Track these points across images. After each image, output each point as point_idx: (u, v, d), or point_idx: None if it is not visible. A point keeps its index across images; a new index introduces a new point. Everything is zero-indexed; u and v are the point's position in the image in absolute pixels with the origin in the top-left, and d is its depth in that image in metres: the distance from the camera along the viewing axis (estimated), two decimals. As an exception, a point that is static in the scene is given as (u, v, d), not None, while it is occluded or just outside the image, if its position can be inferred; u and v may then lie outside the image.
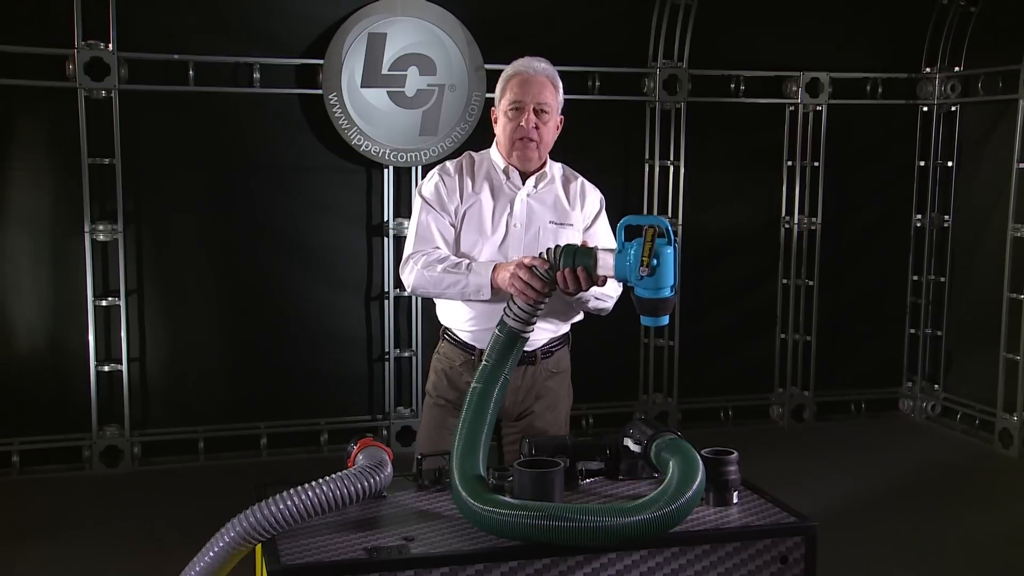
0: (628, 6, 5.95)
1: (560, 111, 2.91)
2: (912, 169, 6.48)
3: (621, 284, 2.46)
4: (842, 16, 6.24)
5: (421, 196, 2.92)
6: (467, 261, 2.79)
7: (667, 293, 2.27)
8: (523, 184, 2.90)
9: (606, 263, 2.37)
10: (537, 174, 2.91)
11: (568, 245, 2.45)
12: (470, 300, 2.78)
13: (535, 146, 2.86)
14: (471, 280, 2.72)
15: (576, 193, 2.96)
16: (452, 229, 2.87)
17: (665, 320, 2.32)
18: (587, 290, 2.46)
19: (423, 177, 3.09)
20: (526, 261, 2.51)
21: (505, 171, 2.91)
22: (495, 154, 2.95)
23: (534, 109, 2.82)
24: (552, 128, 2.90)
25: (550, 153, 2.97)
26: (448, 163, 2.97)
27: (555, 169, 2.98)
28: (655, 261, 2.24)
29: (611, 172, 5.97)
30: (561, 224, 2.89)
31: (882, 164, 6.49)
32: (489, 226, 2.86)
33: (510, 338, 2.44)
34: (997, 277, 5.87)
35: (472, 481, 2.16)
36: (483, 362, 2.45)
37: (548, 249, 2.48)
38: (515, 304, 2.46)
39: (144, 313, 5.38)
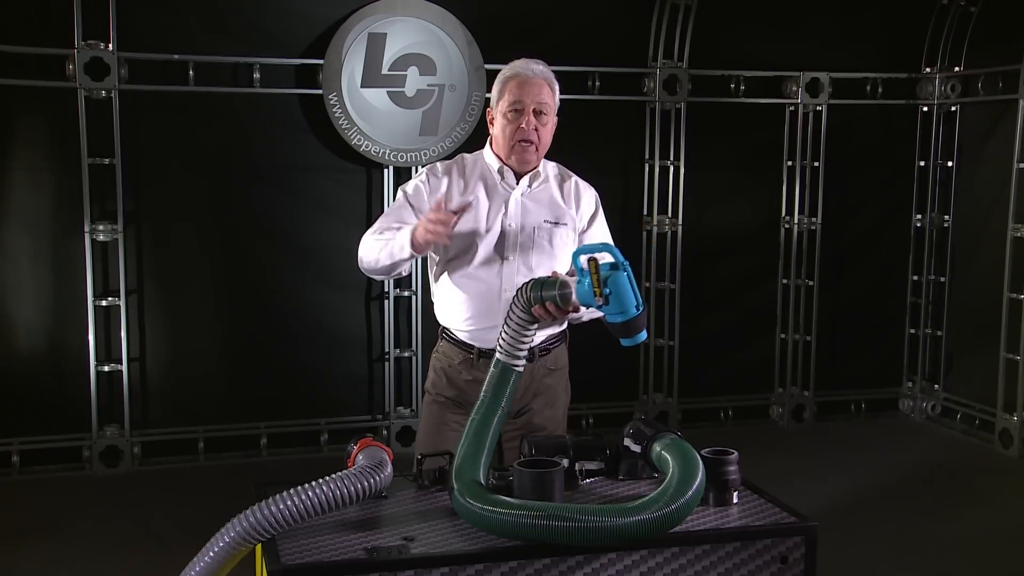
0: (628, 6, 5.96)
1: (556, 111, 2.92)
2: (912, 169, 6.48)
3: None
4: (842, 16, 6.25)
5: (403, 191, 2.93)
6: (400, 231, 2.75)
7: (632, 314, 2.28)
8: (517, 184, 2.91)
9: (573, 292, 2.39)
10: (531, 173, 2.92)
11: (535, 280, 2.46)
12: (398, 261, 2.74)
13: (534, 148, 2.87)
14: (399, 236, 2.70)
15: (571, 192, 2.97)
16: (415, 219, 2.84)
17: (642, 337, 2.33)
18: (566, 316, 2.48)
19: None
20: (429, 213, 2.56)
21: (499, 171, 2.91)
22: (489, 155, 2.95)
23: (533, 111, 2.84)
24: (550, 129, 2.91)
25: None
26: (439, 164, 2.97)
27: (549, 168, 2.99)
28: (607, 290, 2.27)
29: (611, 172, 5.98)
30: (556, 223, 2.90)
31: (882, 164, 6.49)
32: (483, 226, 2.87)
33: (503, 372, 2.44)
34: (997, 277, 5.87)
35: (472, 484, 2.17)
36: (481, 397, 2.44)
37: (522, 287, 2.46)
38: (504, 336, 2.46)
39: (144, 313, 5.38)
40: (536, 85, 2.84)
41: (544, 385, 2.96)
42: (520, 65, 2.88)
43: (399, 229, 2.78)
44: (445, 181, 2.91)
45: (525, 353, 2.47)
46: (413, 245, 2.67)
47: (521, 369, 2.47)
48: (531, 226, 2.88)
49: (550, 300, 2.41)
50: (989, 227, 6.04)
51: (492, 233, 2.87)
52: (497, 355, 2.47)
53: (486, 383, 2.46)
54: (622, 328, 2.30)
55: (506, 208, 2.89)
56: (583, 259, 2.34)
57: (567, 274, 2.47)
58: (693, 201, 6.09)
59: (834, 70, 6.18)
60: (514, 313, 2.44)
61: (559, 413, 3.01)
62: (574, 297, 2.37)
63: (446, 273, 2.92)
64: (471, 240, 2.87)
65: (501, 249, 2.87)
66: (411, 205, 2.89)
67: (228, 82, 5.37)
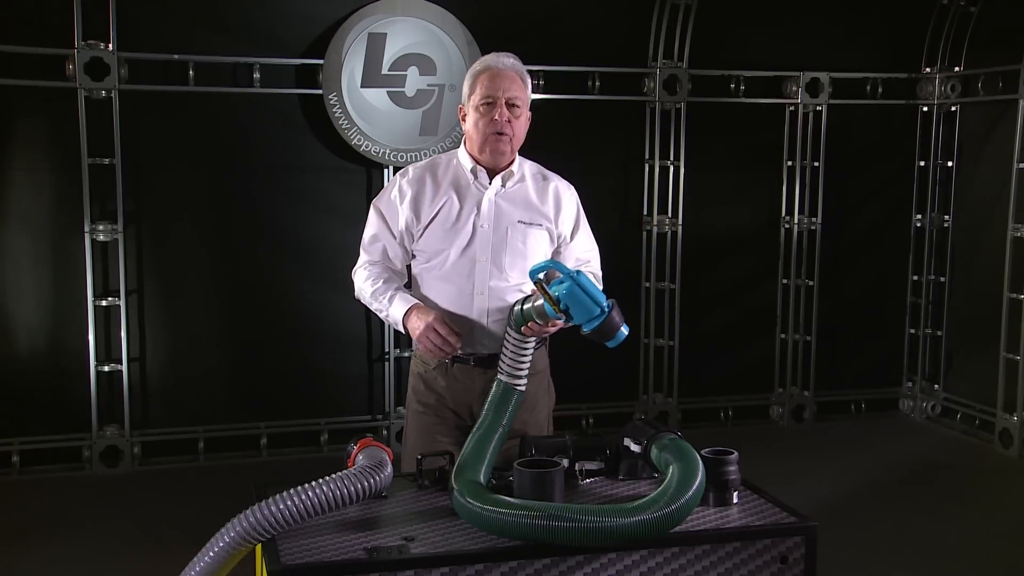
0: (628, 6, 5.96)
1: (529, 107, 2.87)
2: (912, 169, 6.48)
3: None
4: (842, 16, 6.25)
5: (376, 209, 2.92)
6: (392, 290, 2.84)
7: (600, 317, 2.29)
8: (490, 183, 2.86)
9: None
10: (504, 173, 2.87)
11: (519, 300, 2.50)
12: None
13: (508, 140, 2.81)
14: (391, 312, 2.82)
15: (550, 196, 2.92)
16: (398, 246, 2.89)
17: (623, 335, 2.33)
18: (555, 328, 2.52)
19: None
20: (436, 324, 2.67)
21: (473, 171, 2.86)
22: (463, 154, 2.90)
23: (506, 103, 2.78)
24: (523, 123, 2.86)
25: (522, 151, 2.93)
26: (411, 170, 2.92)
27: (526, 167, 2.94)
28: (563, 305, 2.30)
29: (611, 172, 5.98)
30: (530, 224, 2.86)
31: (882, 164, 6.49)
32: (454, 229, 2.83)
33: (505, 392, 2.48)
34: (997, 277, 5.87)
35: (472, 484, 2.17)
36: (483, 414, 2.47)
37: (511, 308, 2.52)
38: (503, 357, 2.50)
39: (144, 313, 5.38)
40: (507, 78, 2.80)
41: None
42: (491, 59, 2.84)
43: (387, 279, 2.87)
44: (416, 188, 2.86)
45: (526, 372, 2.50)
46: (406, 328, 2.80)
47: (523, 388, 2.48)
48: (504, 227, 2.84)
49: (529, 318, 2.44)
50: (989, 227, 6.04)
51: (464, 234, 2.83)
52: (499, 376, 2.50)
53: (488, 401, 2.49)
54: (598, 333, 2.31)
55: (479, 209, 2.84)
56: (541, 277, 2.38)
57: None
58: (693, 201, 6.09)
59: (834, 70, 6.18)
60: (509, 335, 2.48)
61: (540, 417, 2.97)
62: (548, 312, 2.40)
63: (421, 275, 2.90)
64: (443, 242, 2.84)
65: (473, 250, 2.83)
66: (386, 222, 2.88)
67: (228, 82, 5.37)
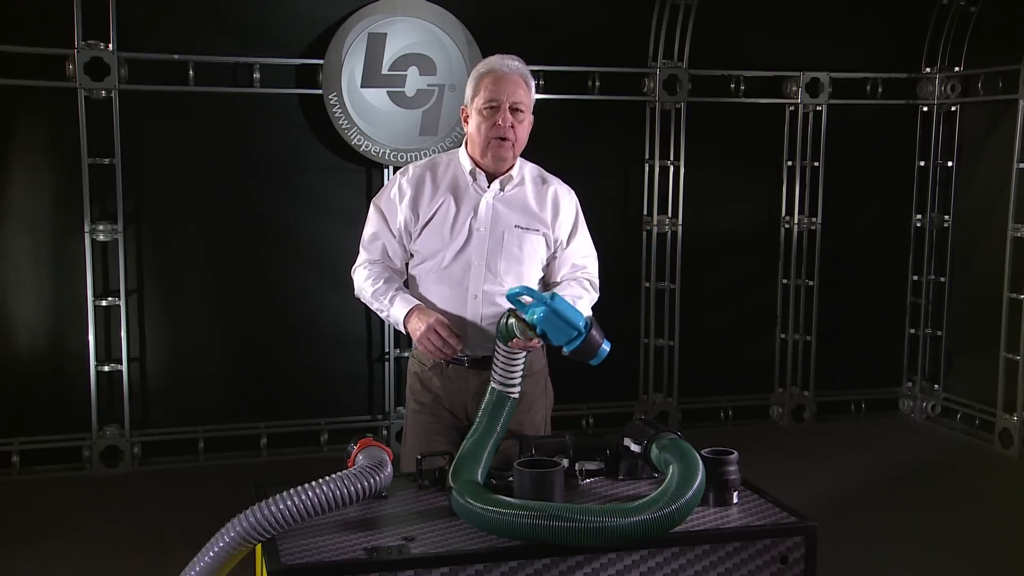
0: (628, 6, 5.96)
1: (532, 110, 2.86)
2: (912, 169, 6.48)
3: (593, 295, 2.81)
4: (842, 16, 6.25)
5: (376, 205, 2.91)
6: (393, 291, 2.82)
7: (579, 339, 2.31)
8: (489, 186, 2.85)
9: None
10: (503, 176, 2.85)
11: (500, 318, 2.50)
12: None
13: (511, 145, 2.80)
14: (392, 313, 2.81)
15: (549, 200, 2.90)
16: (397, 244, 2.89)
17: (605, 351, 2.35)
18: (539, 343, 2.51)
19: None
20: (437, 326, 2.66)
21: (472, 173, 2.85)
22: (463, 155, 2.88)
23: (510, 107, 2.77)
24: (526, 127, 2.84)
25: (522, 151, 2.91)
26: (411, 169, 2.91)
27: (526, 170, 2.92)
28: (540, 330, 2.32)
29: (611, 172, 5.98)
30: (527, 228, 2.85)
31: (882, 164, 6.49)
32: (451, 231, 2.82)
33: (499, 399, 2.48)
34: (997, 277, 5.87)
35: (470, 484, 2.18)
36: (477, 420, 2.48)
37: (499, 320, 2.52)
38: (496, 365, 2.50)
39: (144, 313, 5.38)
40: (512, 82, 2.78)
41: None
42: (495, 61, 2.82)
43: (388, 279, 2.85)
44: (414, 189, 2.85)
45: (518, 379, 2.50)
46: (407, 329, 2.79)
47: (516, 395, 2.49)
48: (500, 231, 2.82)
49: (513, 335, 2.45)
50: (989, 227, 6.04)
51: (460, 237, 2.81)
52: (492, 384, 2.50)
53: (483, 407, 2.49)
54: (578, 353, 2.34)
55: (476, 212, 2.83)
56: (523, 300, 2.39)
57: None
58: (693, 201, 6.09)
59: (834, 70, 6.18)
60: (498, 346, 2.49)
61: (538, 418, 2.96)
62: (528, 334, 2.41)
63: (416, 275, 2.89)
64: (439, 244, 2.83)
65: (468, 253, 2.81)
66: (385, 221, 2.88)
67: (228, 82, 5.37)
